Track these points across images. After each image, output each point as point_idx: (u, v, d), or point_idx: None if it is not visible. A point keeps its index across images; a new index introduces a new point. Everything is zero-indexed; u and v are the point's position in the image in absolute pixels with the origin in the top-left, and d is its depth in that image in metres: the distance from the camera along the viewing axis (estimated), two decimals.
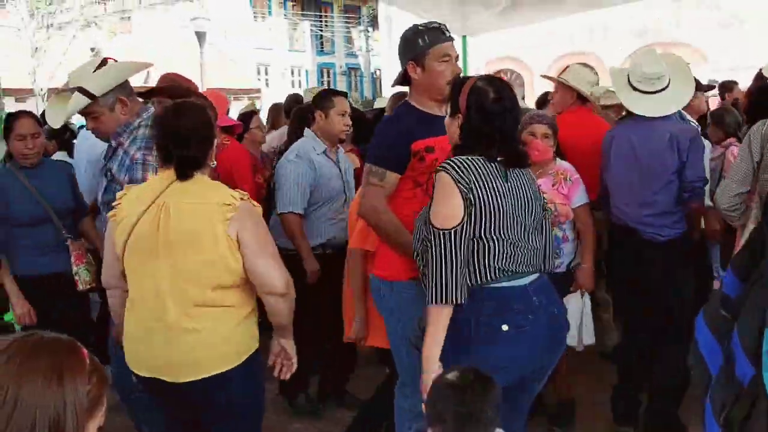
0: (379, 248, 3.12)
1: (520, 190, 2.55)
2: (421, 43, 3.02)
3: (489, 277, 2.45)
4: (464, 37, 6.78)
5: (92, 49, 22.77)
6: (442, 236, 2.39)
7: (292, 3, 35.41)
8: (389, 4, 14.97)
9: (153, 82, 4.07)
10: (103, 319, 4.03)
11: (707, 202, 4.09)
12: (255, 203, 2.63)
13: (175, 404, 2.66)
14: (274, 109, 7.21)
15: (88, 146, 4.34)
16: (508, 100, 2.57)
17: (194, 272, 2.48)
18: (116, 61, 3.22)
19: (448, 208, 2.43)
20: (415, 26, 3.10)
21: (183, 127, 2.55)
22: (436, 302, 2.37)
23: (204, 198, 2.53)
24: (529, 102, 10.13)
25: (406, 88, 3.27)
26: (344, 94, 4.39)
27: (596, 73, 4.65)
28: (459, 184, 2.42)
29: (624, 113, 4.37)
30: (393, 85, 3.34)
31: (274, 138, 6.31)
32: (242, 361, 2.57)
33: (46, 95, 22.18)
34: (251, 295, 2.62)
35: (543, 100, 6.59)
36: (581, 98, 4.49)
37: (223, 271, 2.50)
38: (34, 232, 3.75)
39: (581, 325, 3.77)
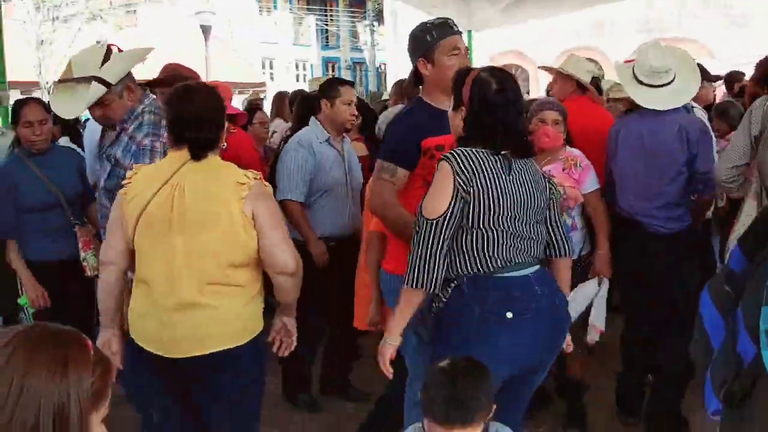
0: (390, 242, 3.13)
1: (524, 182, 2.57)
2: (429, 39, 3.03)
3: (492, 267, 2.48)
4: (469, 32, 6.78)
5: (98, 42, 22.71)
6: (425, 224, 2.45)
7: None
8: None
9: (154, 74, 4.06)
10: None
11: None
12: (266, 183, 2.67)
13: (179, 382, 2.67)
14: (278, 98, 7.24)
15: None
16: (511, 91, 2.57)
17: (209, 250, 2.51)
18: (119, 48, 3.23)
19: (437, 199, 2.47)
20: (423, 23, 3.11)
21: (197, 107, 2.57)
22: (408, 285, 2.46)
23: (218, 177, 2.57)
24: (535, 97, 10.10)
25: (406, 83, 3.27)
26: (351, 84, 4.36)
27: (596, 63, 4.64)
28: (457, 176, 2.45)
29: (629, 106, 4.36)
30: (405, 85, 3.35)
31: (277, 127, 6.34)
32: (250, 339, 2.60)
33: (51, 88, 22.19)
34: (259, 276, 2.66)
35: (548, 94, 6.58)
36: (581, 87, 4.49)
37: (237, 249, 2.53)
38: (43, 218, 3.79)
39: (592, 310, 3.75)
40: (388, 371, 2.61)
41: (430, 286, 2.46)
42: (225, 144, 2.71)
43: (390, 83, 24.52)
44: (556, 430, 4.02)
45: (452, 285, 2.53)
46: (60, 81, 3.16)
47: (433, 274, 2.45)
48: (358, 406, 4.28)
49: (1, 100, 5.24)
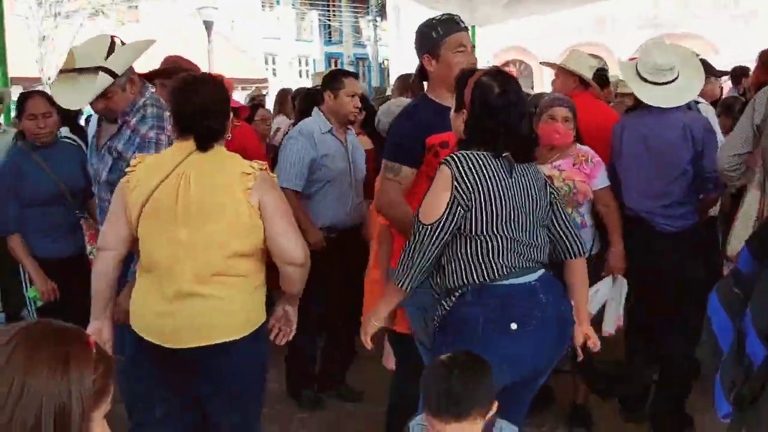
0: (397, 241, 3.12)
1: (525, 186, 2.54)
2: (434, 35, 3.01)
3: (495, 275, 2.45)
4: (473, 27, 6.75)
5: None
6: (420, 228, 2.46)
7: None
8: None
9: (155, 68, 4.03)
10: None
11: None
12: (272, 174, 2.66)
13: (179, 374, 2.65)
14: (281, 95, 7.23)
15: None
16: (513, 93, 2.55)
17: (214, 241, 2.50)
18: (122, 41, 3.22)
19: (433, 204, 2.46)
20: (430, 19, 3.09)
21: (203, 98, 2.56)
22: (396, 282, 2.53)
23: (224, 168, 2.56)
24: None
25: (412, 70, 3.25)
26: (355, 75, 4.32)
27: (599, 58, 4.63)
28: (455, 182, 2.43)
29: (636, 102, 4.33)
30: (411, 81, 3.33)
31: (280, 124, 6.33)
32: (253, 330, 2.59)
33: (53, 83, 22.19)
34: (263, 267, 2.65)
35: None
36: (583, 83, 4.46)
37: (242, 239, 2.53)
38: (47, 213, 3.78)
39: (608, 308, 3.72)
40: (369, 345, 2.71)
41: (408, 287, 2.51)
42: (230, 135, 2.70)
43: (393, 79, 24.50)
44: (557, 429, 4.00)
45: (456, 294, 2.50)
46: (62, 71, 3.13)
47: (416, 276, 2.49)
48: (358, 405, 4.27)
49: (2, 97, 5.22)
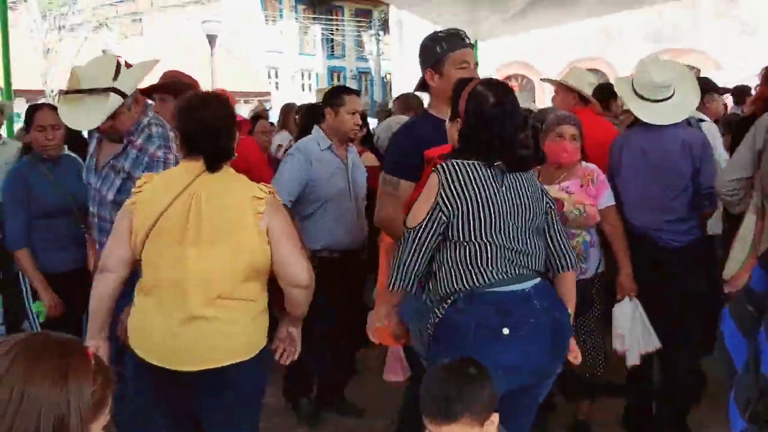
0: None
1: (517, 194, 2.55)
2: (439, 50, 3.02)
3: (487, 280, 2.46)
4: (475, 41, 6.77)
5: (104, 51, 22.86)
6: (406, 232, 2.53)
7: (303, 6, 35.53)
8: (400, 9, 15.00)
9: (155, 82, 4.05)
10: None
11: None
12: (279, 198, 2.67)
13: (180, 397, 2.64)
14: (286, 110, 7.24)
15: None
16: (509, 104, 2.56)
17: (224, 263, 2.50)
18: (127, 62, 3.23)
19: (419, 209, 2.51)
20: (435, 33, 3.10)
21: (213, 118, 2.55)
22: (390, 285, 2.57)
23: (234, 190, 2.57)
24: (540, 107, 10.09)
25: (415, 85, 3.26)
26: (356, 93, 4.28)
27: (599, 73, 4.64)
28: (441, 188, 2.47)
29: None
30: (414, 91, 3.35)
31: (283, 140, 6.34)
32: (255, 353, 2.59)
33: (57, 96, 22.31)
34: (266, 291, 2.65)
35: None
36: (583, 99, 4.47)
37: (252, 263, 2.52)
38: (52, 225, 3.78)
39: (634, 331, 3.68)
40: (374, 337, 2.88)
41: (400, 287, 2.54)
42: (236, 154, 2.70)
43: (396, 92, 24.56)
44: None
45: (448, 301, 2.51)
46: (67, 92, 3.14)
47: (408, 278, 2.52)
48: (359, 421, 4.25)
49: (2, 109, 5.24)
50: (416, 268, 2.51)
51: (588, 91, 4.46)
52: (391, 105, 7.51)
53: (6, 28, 5.08)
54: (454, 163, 2.51)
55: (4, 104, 5.23)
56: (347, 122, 4.03)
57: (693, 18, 17.22)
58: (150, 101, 3.73)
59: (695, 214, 3.80)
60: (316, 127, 4.15)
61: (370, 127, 5.88)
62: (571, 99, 4.48)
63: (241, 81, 27.80)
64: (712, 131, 4.56)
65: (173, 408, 2.72)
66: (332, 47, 36.68)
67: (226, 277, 2.51)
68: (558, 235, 2.68)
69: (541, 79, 7.03)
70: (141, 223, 2.54)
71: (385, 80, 36.74)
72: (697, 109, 4.82)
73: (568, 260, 2.69)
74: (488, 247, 2.47)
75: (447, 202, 2.46)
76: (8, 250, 3.82)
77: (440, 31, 3.10)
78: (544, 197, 2.66)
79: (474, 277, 2.46)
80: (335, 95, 4.14)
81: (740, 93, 6.87)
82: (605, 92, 4.97)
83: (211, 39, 18.02)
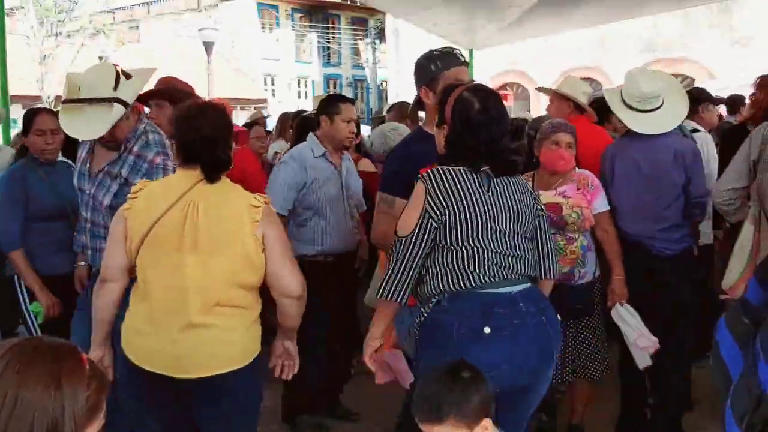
0: None
1: (505, 199, 2.55)
2: (433, 69, 3.05)
3: (472, 283, 2.47)
4: (471, 50, 6.80)
5: (100, 58, 22.88)
6: (397, 241, 2.52)
7: (299, 14, 35.60)
8: (397, 18, 15.04)
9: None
10: None
11: None
12: (273, 208, 2.70)
13: (176, 402, 2.64)
14: (283, 119, 7.24)
15: None
16: (494, 110, 2.56)
17: (221, 271, 2.51)
18: (125, 71, 3.23)
19: (408, 217, 2.51)
20: (430, 51, 3.12)
21: (211, 127, 2.56)
22: (383, 296, 2.53)
23: (231, 199, 2.58)
24: (535, 116, 10.13)
25: (408, 99, 3.28)
26: (351, 101, 4.29)
27: (593, 82, 4.66)
28: (428, 195, 2.48)
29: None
30: (410, 110, 3.36)
31: (280, 149, 6.35)
32: (250, 361, 2.59)
33: (54, 102, 22.30)
34: (259, 299, 2.66)
35: None
36: (578, 108, 4.49)
37: (248, 271, 2.54)
38: (49, 228, 3.77)
39: (635, 334, 3.67)
40: (371, 365, 2.71)
41: (398, 297, 2.51)
42: (233, 164, 2.71)
43: (391, 100, 24.60)
44: None
45: (433, 301, 2.52)
46: (69, 101, 3.14)
47: (402, 287, 2.50)
48: (355, 425, 4.24)
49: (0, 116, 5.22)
50: (409, 276, 2.51)
51: (583, 100, 4.48)
52: (385, 113, 7.54)
53: (3, 34, 5.08)
54: (440, 170, 2.52)
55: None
56: (342, 130, 4.04)
57: (687, 28, 17.30)
58: (146, 108, 3.74)
59: (687, 222, 3.83)
60: (310, 134, 4.15)
61: (363, 135, 5.89)
62: (566, 108, 4.49)
63: (237, 88, 27.83)
64: (707, 141, 4.58)
65: (168, 414, 2.71)
66: (328, 55, 36.74)
67: (224, 285, 2.52)
68: (547, 242, 2.69)
69: (536, 89, 7.05)
70: (136, 229, 2.55)
71: (381, 88, 36.80)
72: (692, 119, 4.86)
73: (552, 269, 2.70)
74: (475, 251, 2.48)
75: (435, 208, 2.47)
76: (2, 252, 3.82)
77: (435, 50, 3.13)
78: (534, 203, 2.67)
79: (460, 279, 2.47)
80: (331, 103, 4.14)
81: (734, 103, 6.91)
82: (605, 105, 4.97)
83: (208, 46, 18.00)
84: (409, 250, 2.49)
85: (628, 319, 3.67)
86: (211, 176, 2.56)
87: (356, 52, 37.83)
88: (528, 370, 2.53)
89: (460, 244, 2.48)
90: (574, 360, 3.74)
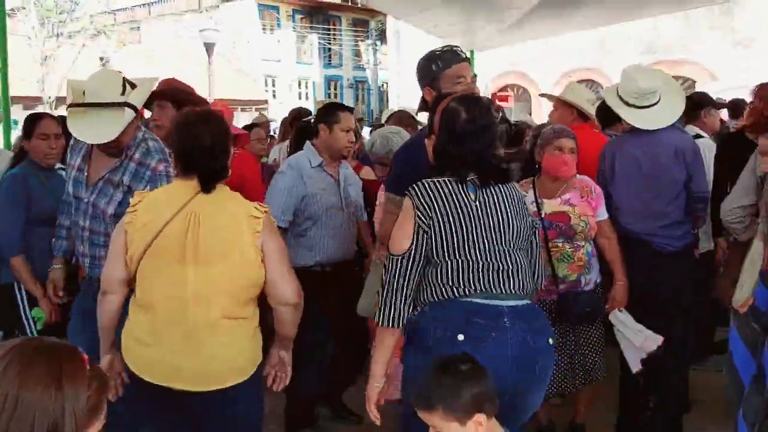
0: None
1: (494, 209, 2.51)
2: (434, 68, 3.04)
3: (455, 294, 2.43)
4: (471, 52, 6.80)
5: (101, 59, 22.93)
6: (391, 261, 2.46)
7: (300, 16, 35.62)
8: (398, 19, 15.05)
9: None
10: None
11: None
12: (273, 218, 2.70)
13: (178, 414, 2.64)
14: (286, 121, 7.23)
15: None
16: (482, 119, 2.53)
17: (221, 282, 2.50)
18: (126, 77, 3.25)
19: (400, 236, 2.48)
20: (431, 52, 3.11)
21: (211, 137, 2.55)
22: (381, 324, 2.46)
23: (231, 209, 2.57)
24: (536, 117, 10.15)
25: (407, 107, 3.28)
26: (350, 110, 4.23)
27: (595, 85, 4.66)
28: (417, 210, 2.45)
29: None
30: (417, 112, 3.36)
31: (276, 151, 6.35)
32: (253, 372, 2.60)
33: (54, 104, 22.32)
34: (257, 308, 2.66)
35: None
36: (581, 115, 4.48)
37: (250, 282, 2.54)
38: (49, 233, 3.75)
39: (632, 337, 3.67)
40: (376, 416, 2.56)
41: (399, 322, 2.45)
42: (230, 170, 2.70)
43: (392, 101, 24.61)
44: None
45: (418, 308, 2.51)
46: (78, 105, 3.12)
47: (401, 308, 2.45)
48: (357, 428, 4.24)
49: None
50: (407, 296, 2.45)
51: (586, 107, 4.48)
52: (384, 121, 7.54)
53: (4, 35, 5.08)
54: (425, 183, 2.50)
55: None
56: (341, 139, 3.99)
57: (688, 29, 17.31)
58: (147, 111, 3.74)
59: (689, 219, 3.84)
60: (308, 143, 4.11)
61: (364, 137, 5.89)
62: (569, 115, 4.49)
63: (238, 89, 27.85)
64: (709, 148, 4.55)
65: (166, 425, 2.71)
66: (329, 56, 36.75)
67: (225, 296, 2.52)
68: (536, 259, 2.64)
69: (540, 95, 7.05)
70: (137, 242, 2.54)
71: (381, 89, 36.82)
72: (695, 124, 4.87)
73: (536, 284, 2.63)
74: (459, 265, 2.44)
75: (423, 221, 2.45)
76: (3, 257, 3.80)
77: (436, 49, 3.12)
78: (526, 213, 2.62)
79: (443, 291, 2.44)
80: (330, 112, 4.08)
81: (735, 107, 6.89)
82: (612, 113, 4.96)
83: (209, 47, 18.03)
84: (407, 269, 2.45)
85: (629, 323, 3.66)
86: (207, 186, 2.54)
87: (357, 54, 37.84)
88: (502, 387, 2.39)
89: (446, 258, 2.44)
90: (583, 365, 3.73)
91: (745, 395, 1.91)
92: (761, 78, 4.37)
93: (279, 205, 3.83)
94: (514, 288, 2.46)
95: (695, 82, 16.59)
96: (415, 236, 2.44)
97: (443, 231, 2.44)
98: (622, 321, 3.68)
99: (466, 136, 2.50)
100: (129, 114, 3.10)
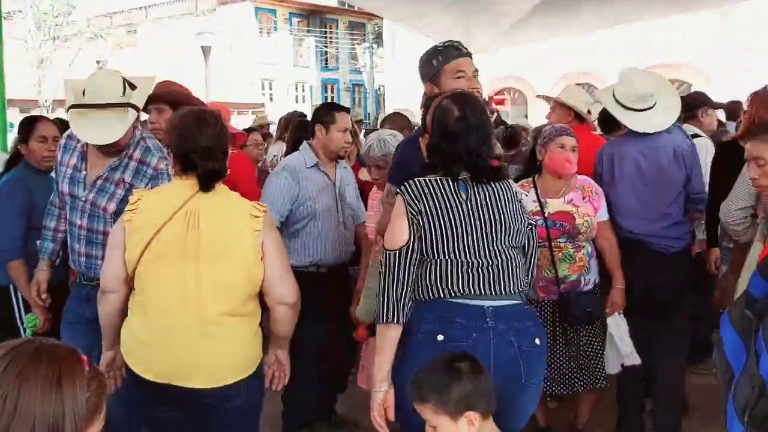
0: None
1: (486, 208, 2.50)
2: (435, 64, 3.03)
3: (439, 294, 2.43)
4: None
5: (98, 62, 22.92)
6: (388, 256, 2.45)
7: (297, 19, 35.67)
8: (394, 22, 15.07)
9: None
10: None
11: None
12: (272, 215, 2.69)
13: (181, 412, 2.63)
14: (281, 124, 7.24)
15: None
16: (474, 117, 2.52)
17: (225, 281, 2.51)
18: (125, 78, 3.25)
19: (395, 230, 2.48)
20: (432, 48, 3.11)
21: (207, 138, 2.55)
22: (381, 321, 2.43)
23: (231, 208, 2.59)
24: (532, 121, 10.16)
25: (403, 110, 3.28)
26: (347, 110, 4.20)
27: (591, 88, 4.68)
28: (408, 206, 2.45)
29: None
30: (421, 107, 3.35)
31: (276, 150, 6.35)
32: (255, 368, 2.61)
33: (50, 107, 22.30)
34: (259, 306, 2.66)
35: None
36: (578, 117, 4.49)
37: (250, 280, 2.55)
38: None
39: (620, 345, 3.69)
40: (381, 425, 2.47)
41: (400, 317, 2.41)
42: (228, 170, 2.71)
43: (388, 104, 24.59)
44: None
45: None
46: (81, 106, 3.11)
47: (401, 303, 2.42)
48: None
49: None
50: (406, 289, 2.43)
51: (584, 110, 4.49)
52: (379, 125, 7.56)
53: (0, 38, 5.08)
54: (415, 181, 2.50)
55: None
56: (337, 140, 3.97)
57: (685, 32, 17.33)
58: (144, 114, 3.74)
59: (688, 219, 3.87)
60: (304, 143, 4.09)
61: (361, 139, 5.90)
62: (566, 117, 4.49)
63: (235, 92, 27.85)
64: (707, 147, 4.56)
65: (168, 424, 2.71)
66: (326, 60, 36.79)
67: (228, 294, 2.52)
68: (531, 261, 2.64)
69: (537, 96, 7.05)
70: (137, 240, 2.53)
71: (378, 93, 36.83)
72: (692, 123, 4.88)
73: (525, 284, 2.61)
74: (448, 264, 2.43)
75: (415, 217, 2.45)
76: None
77: (438, 45, 3.11)
78: (522, 212, 2.61)
79: (429, 290, 2.44)
80: (327, 112, 4.06)
81: (732, 109, 6.90)
82: (612, 117, 4.97)
83: (206, 50, 18.04)
84: (405, 262, 2.44)
85: (622, 332, 3.67)
86: (206, 185, 2.54)
87: (354, 57, 37.88)
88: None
89: (433, 256, 2.44)
90: (584, 368, 3.69)
91: (735, 381, 1.91)
92: (757, 82, 4.38)
93: (273, 207, 3.81)
94: (504, 288, 2.45)
95: (691, 85, 16.62)
96: (409, 231, 2.45)
97: (432, 229, 2.44)
98: (618, 327, 3.69)
99: (458, 134, 2.49)
100: (132, 114, 3.11)
